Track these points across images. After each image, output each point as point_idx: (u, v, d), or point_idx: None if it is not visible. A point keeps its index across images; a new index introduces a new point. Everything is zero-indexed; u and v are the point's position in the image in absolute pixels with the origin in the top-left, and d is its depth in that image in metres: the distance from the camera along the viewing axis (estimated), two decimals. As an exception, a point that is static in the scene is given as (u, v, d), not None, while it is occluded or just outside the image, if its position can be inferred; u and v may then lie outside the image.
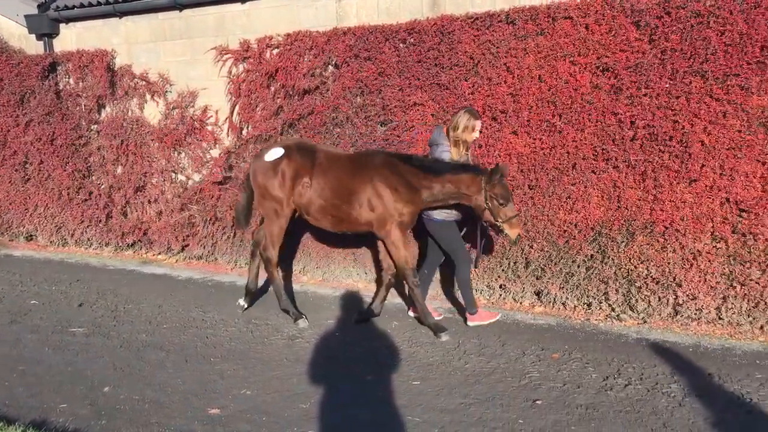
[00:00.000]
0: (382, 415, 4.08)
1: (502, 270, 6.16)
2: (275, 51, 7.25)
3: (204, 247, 7.89)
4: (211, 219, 7.79)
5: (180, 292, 6.93)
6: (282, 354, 5.15)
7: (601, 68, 5.62)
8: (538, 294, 6.06)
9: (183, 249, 8.13)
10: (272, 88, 7.29)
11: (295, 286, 7.03)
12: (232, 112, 7.69)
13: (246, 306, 5.81)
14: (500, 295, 6.24)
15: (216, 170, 7.74)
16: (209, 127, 7.98)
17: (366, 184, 4.81)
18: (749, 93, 5.13)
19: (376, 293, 5.54)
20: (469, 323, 5.39)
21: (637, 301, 5.53)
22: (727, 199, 5.23)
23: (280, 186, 5.04)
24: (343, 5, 7.11)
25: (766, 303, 5.15)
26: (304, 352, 5.17)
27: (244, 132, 7.61)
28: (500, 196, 4.65)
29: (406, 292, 5.71)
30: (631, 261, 5.53)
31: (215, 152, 7.95)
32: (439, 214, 5.06)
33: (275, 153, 5.07)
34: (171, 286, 7.14)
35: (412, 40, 6.36)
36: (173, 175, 8.24)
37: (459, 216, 5.14)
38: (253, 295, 5.83)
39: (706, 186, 5.29)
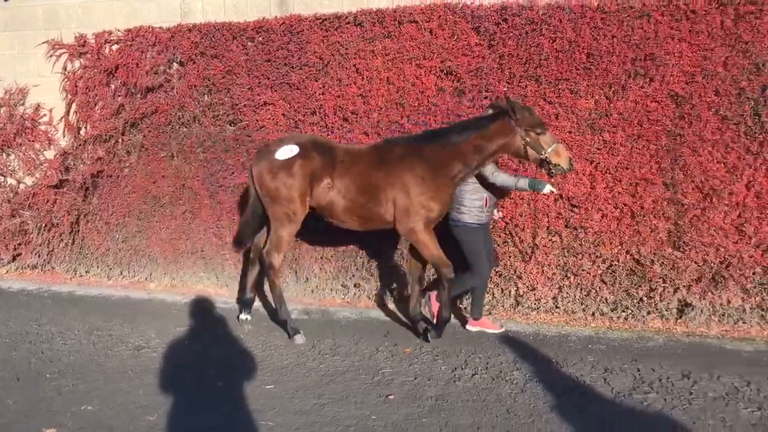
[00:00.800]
0: (234, 421, 4.13)
1: (356, 269, 6.40)
2: (115, 47, 7.01)
3: (39, 256, 7.47)
4: (46, 225, 7.39)
5: (11, 305, 6.53)
6: (127, 365, 5.04)
7: (445, 71, 6.00)
8: (392, 291, 6.36)
9: (14, 258, 7.65)
10: (113, 86, 7.04)
11: (141, 294, 6.86)
12: (68, 111, 7.33)
13: (250, 318, 5.56)
14: (355, 294, 6.47)
15: (51, 173, 7.34)
16: (42, 127, 7.56)
17: (390, 178, 4.61)
18: (578, 96, 5.70)
19: (410, 296, 5.36)
20: (470, 328, 5.46)
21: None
22: (560, 196, 5.78)
23: (295, 188, 4.71)
24: (188, 1, 7.01)
25: (596, 291, 5.76)
26: (152, 362, 5.09)
27: (82, 132, 7.29)
28: (535, 125, 4.48)
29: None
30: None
31: (50, 154, 7.53)
32: (470, 217, 4.93)
33: (287, 151, 4.72)
34: (1, 299, 6.71)
35: (260, 38, 6.42)
36: (1, 178, 7.71)
37: (491, 217, 5.12)
38: (252, 304, 5.57)
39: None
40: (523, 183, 4.77)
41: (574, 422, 3.97)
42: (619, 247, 5.59)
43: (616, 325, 5.66)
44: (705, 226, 5.39)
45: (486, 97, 5.81)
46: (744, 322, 5.49)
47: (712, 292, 5.45)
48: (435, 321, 5.22)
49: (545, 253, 5.77)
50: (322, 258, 6.45)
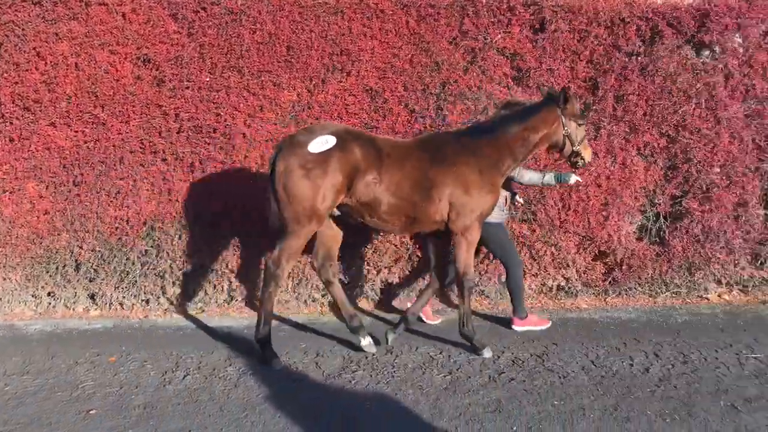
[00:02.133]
0: None
1: (50, 276, 6.07)
2: None
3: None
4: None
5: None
6: None
7: (142, 59, 5.90)
8: (92, 297, 6.15)
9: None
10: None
11: None
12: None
13: (369, 341, 4.98)
14: (49, 303, 6.13)
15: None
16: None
17: (448, 175, 4.35)
18: (281, 88, 6.01)
19: (417, 302, 5.16)
20: (517, 328, 5.39)
21: (194, 291, 6.08)
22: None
23: (329, 186, 4.27)
24: None
25: (307, 279, 6.20)
26: None
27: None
28: (578, 116, 4.54)
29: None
30: (186, 253, 6.03)
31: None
32: (494, 216, 4.88)
33: (323, 142, 4.23)
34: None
35: None
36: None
37: (509, 215, 5.04)
38: (360, 322, 4.94)
39: (251, 175, 6.05)
40: (549, 178, 4.99)
41: (288, 409, 4.19)
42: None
43: (326, 310, 6.16)
44: (400, 211, 6.09)
45: (188, 87, 5.85)
46: (436, 296, 6.35)
47: (408, 271, 6.20)
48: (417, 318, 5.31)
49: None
50: (5, 266, 6.00)
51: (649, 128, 5.97)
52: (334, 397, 4.36)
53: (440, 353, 5.06)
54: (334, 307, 5.82)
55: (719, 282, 6.37)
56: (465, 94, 5.89)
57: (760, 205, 6.18)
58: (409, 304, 5.31)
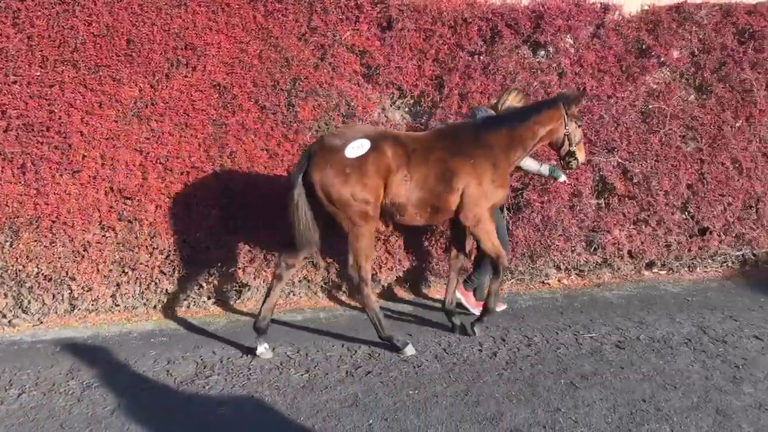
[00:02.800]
0: None
1: None
2: None
3: None
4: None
5: None
6: None
7: (-41, 51, 5.39)
8: None
9: None
10: None
11: None
12: None
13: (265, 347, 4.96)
14: None
15: None
16: None
17: (465, 166, 4.52)
18: (121, 84, 5.71)
19: (447, 288, 5.30)
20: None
21: (29, 302, 5.64)
22: (111, 188, 5.76)
23: (370, 188, 4.37)
24: None
25: (156, 284, 5.95)
26: None
27: None
28: (578, 117, 4.86)
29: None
30: (19, 261, 5.58)
31: None
32: None
33: (359, 146, 4.31)
34: None
35: None
36: None
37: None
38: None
39: (89, 176, 5.69)
40: (545, 169, 5.32)
41: (137, 420, 4.04)
42: (176, 236, 5.86)
43: (180, 315, 5.95)
44: (252, 210, 6.00)
45: (15, 82, 5.41)
46: (294, 295, 6.32)
47: (265, 271, 6.12)
48: (479, 312, 5.35)
49: (99, 250, 5.72)
50: None
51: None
52: (186, 404, 4.23)
53: (297, 352, 5.05)
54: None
55: (558, 268, 6.81)
56: (316, 91, 5.90)
57: (592, 195, 6.65)
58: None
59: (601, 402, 4.25)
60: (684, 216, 6.98)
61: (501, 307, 5.72)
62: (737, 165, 6.98)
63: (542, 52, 6.48)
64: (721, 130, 6.89)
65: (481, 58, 6.28)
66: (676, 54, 6.79)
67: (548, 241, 6.60)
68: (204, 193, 5.81)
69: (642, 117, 6.75)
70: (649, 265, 7.12)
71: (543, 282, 6.77)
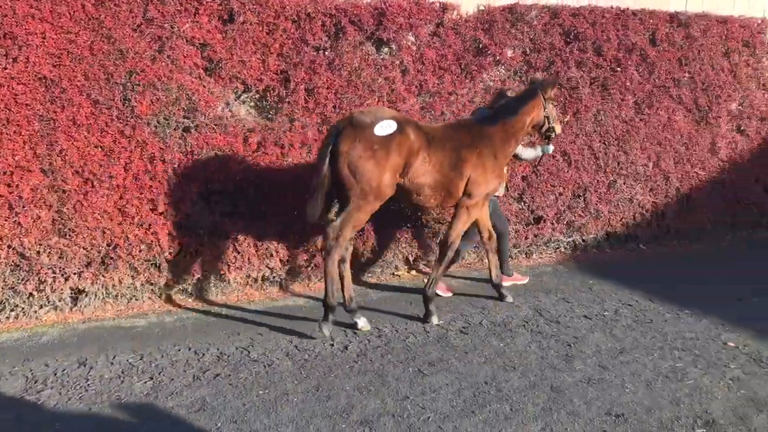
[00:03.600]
0: None
1: None
2: None
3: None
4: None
5: None
6: None
7: None
8: None
9: None
10: None
11: None
12: None
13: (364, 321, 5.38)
14: None
15: None
16: None
17: (473, 156, 5.03)
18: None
19: (489, 267, 5.97)
20: (505, 283, 6.31)
21: None
22: None
23: (390, 165, 4.72)
24: None
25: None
26: None
27: None
28: (552, 98, 5.41)
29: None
30: None
31: None
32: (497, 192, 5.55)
33: (386, 126, 4.67)
34: None
35: None
36: None
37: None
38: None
39: None
40: (539, 150, 6.09)
41: None
42: (0, 241, 5.39)
43: (7, 326, 5.49)
44: (89, 210, 5.64)
45: None
46: (137, 299, 6.02)
47: (103, 275, 5.77)
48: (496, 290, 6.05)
49: None
50: None
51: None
52: (15, 422, 3.90)
53: (141, 359, 4.82)
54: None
55: (407, 260, 6.97)
56: (155, 85, 5.65)
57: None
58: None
59: (447, 387, 4.41)
60: (520, 206, 7.39)
61: (523, 280, 6.74)
62: (567, 157, 7.48)
63: (386, 49, 6.60)
64: (551, 124, 7.34)
65: (326, 53, 6.30)
66: (510, 53, 7.17)
67: (397, 234, 6.74)
68: (31, 195, 5.37)
69: (481, 113, 7.03)
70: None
71: (393, 274, 6.90)
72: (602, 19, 7.48)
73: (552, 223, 7.59)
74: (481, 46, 6.96)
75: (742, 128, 8.71)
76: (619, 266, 7.28)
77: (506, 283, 6.19)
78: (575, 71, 7.40)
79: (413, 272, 7.03)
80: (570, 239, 7.81)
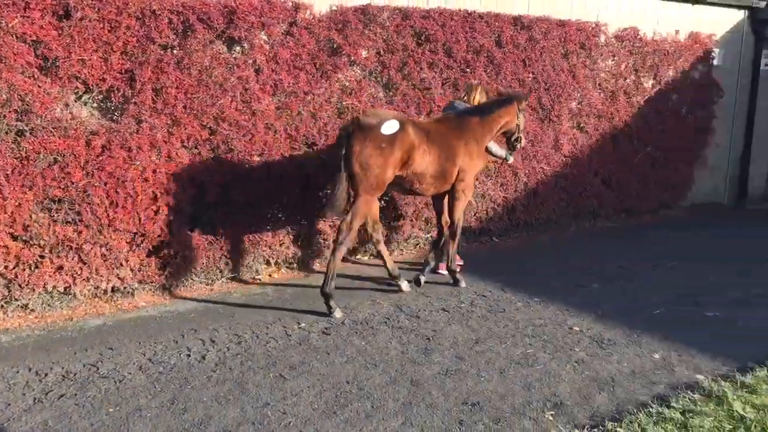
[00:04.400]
0: None
1: None
2: None
3: None
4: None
5: None
6: None
7: None
8: None
9: None
10: None
11: None
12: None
13: (407, 284, 6.33)
14: None
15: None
16: None
17: (462, 146, 5.86)
18: None
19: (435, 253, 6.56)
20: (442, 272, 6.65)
21: None
22: None
23: (392, 159, 5.42)
24: None
25: None
26: None
27: None
28: (523, 110, 6.24)
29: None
30: None
31: None
32: None
33: (391, 126, 5.36)
34: None
35: None
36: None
37: None
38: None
39: None
40: (503, 152, 6.64)
41: None
42: None
43: None
44: None
45: None
46: (-32, 319, 5.47)
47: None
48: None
49: None
50: None
51: (190, 120, 6.06)
52: None
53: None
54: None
55: (269, 262, 6.87)
56: (-20, 85, 5.14)
57: (300, 189, 6.82)
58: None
59: (309, 390, 4.37)
60: (383, 204, 7.47)
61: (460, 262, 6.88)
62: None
63: (238, 48, 6.46)
64: (407, 124, 7.48)
65: (175, 52, 6.06)
66: (364, 53, 7.24)
67: (257, 236, 6.61)
68: None
69: (338, 113, 7.06)
70: (354, 252, 7.51)
71: (254, 278, 6.78)
72: (451, 21, 7.70)
73: (411, 221, 7.74)
74: (335, 46, 6.97)
75: (581, 125, 9.28)
76: (474, 259, 7.54)
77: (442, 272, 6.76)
78: (427, 72, 7.59)
79: (275, 275, 6.90)
80: (428, 235, 7.99)
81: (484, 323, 5.62)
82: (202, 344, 5.15)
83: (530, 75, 8.51)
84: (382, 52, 7.39)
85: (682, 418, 3.95)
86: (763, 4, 11.13)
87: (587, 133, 9.30)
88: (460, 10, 7.88)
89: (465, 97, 6.56)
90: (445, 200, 6.26)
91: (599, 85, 9.35)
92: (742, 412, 4.00)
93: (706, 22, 10.71)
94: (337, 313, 5.67)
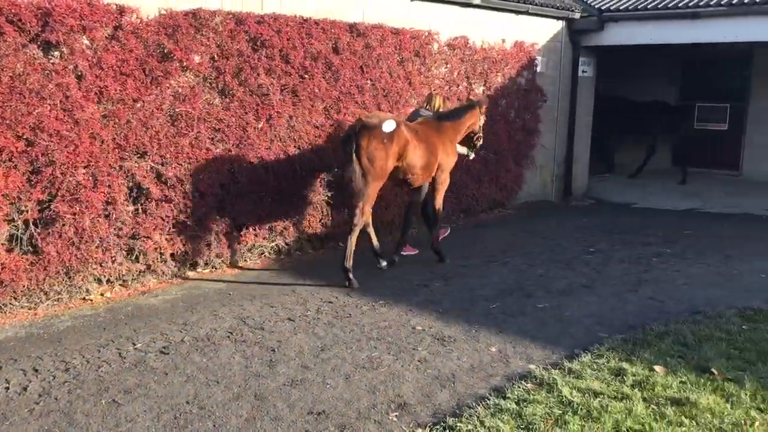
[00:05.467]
0: None
1: None
2: None
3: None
4: None
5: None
6: None
7: None
8: None
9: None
10: None
11: None
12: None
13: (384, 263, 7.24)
14: None
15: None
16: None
17: (440, 144, 7.12)
18: None
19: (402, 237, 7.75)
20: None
21: None
22: None
23: (393, 152, 6.54)
24: None
25: None
26: None
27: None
28: (484, 114, 7.74)
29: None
30: None
31: None
32: None
33: (390, 125, 6.49)
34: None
35: None
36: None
37: None
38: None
39: None
40: (465, 151, 7.91)
41: None
42: None
43: None
44: None
45: None
46: None
47: None
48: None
49: None
50: None
51: (2, 131, 5.54)
52: None
53: None
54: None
55: (100, 281, 6.44)
56: None
57: (128, 201, 6.45)
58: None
59: (145, 414, 4.14)
60: (222, 214, 7.26)
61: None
62: (264, 163, 7.53)
63: (56, 53, 6.00)
64: (246, 131, 7.35)
65: (-17, 56, 5.49)
66: (197, 59, 7.00)
67: (85, 254, 6.17)
68: None
69: (171, 120, 6.77)
70: (193, 266, 7.23)
71: (84, 298, 6.32)
72: (287, 27, 7.65)
73: (255, 230, 7.59)
74: (166, 51, 6.68)
75: (419, 130, 9.52)
76: (320, 266, 7.53)
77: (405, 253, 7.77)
78: (265, 78, 7.48)
79: (108, 294, 6.48)
80: (273, 244, 7.88)
81: (330, 330, 5.61)
82: (24, 374, 4.73)
83: (368, 81, 8.63)
84: (216, 58, 7.18)
85: (517, 408, 4.13)
86: (578, 16, 12.03)
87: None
88: (295, 16, 7.84)
89: (427, 105, 7.75)
90: (421, 193, 7.58)
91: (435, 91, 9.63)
92: (570, 397, 4.25)
93: (529, 32, 11.43)
94: (354, 284, 6.76)
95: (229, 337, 5.47)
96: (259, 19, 7.51)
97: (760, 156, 14.80)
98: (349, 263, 6.60)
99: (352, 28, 8.48)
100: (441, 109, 7.60)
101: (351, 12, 8.85)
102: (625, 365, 4.72)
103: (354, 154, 6.40)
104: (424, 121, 7.25)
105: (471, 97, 9.58)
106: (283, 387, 4.55)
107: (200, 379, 4.67)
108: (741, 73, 15.14)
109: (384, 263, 7.24)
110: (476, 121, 7.51)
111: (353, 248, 6.60)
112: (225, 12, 7.25)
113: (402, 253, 7.63)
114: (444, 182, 7.33)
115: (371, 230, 7.02)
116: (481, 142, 7.87)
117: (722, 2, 10.83)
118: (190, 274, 7.20)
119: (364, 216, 6.60)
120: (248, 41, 7.44)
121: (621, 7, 12.13)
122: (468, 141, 7.79)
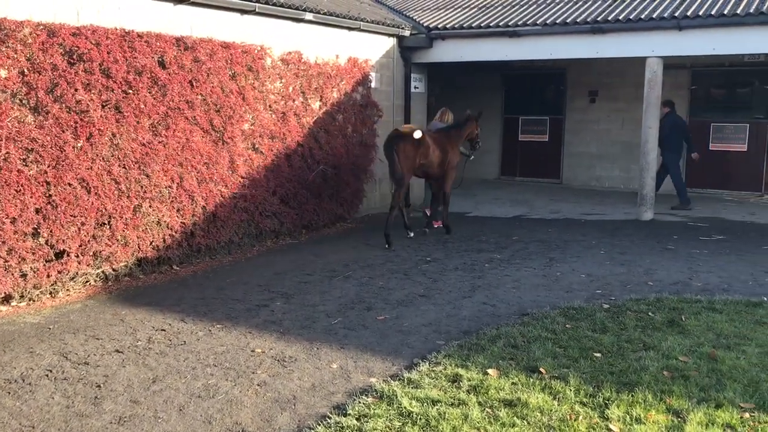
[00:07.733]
0: None
1: None
2: None
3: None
4: None
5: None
6: None
7: None
8: None
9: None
10: None
11: None
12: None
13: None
14: None
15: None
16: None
17: (450, 148, 9.72)
18: None
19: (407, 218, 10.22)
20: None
21: None
22: None
23: (420, 153, 9.15)
24: None
25: None
26: None
27: None
28: (479, 123, 10.07)
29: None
30: None
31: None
32: None
33: (418, 134, 9.08)
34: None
35: None
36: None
37: None
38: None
39: None
40: (468, 151, 10.61)
41: None
42: None
43: None
44: None
45: None
46: None
47: None
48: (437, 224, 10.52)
49: None
50: None
51: None
52: None
53: None
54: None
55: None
56: None
57: None
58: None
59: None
60: (38, 241, 6.67)
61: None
62: (85, 184, 7.03)
63: None
64: (63, 151, 6.84)
65: None
66: (3, 73, 6.39)
67: None
68: None
69: (-28, 140, 6.11)
70: (7, 299, 6.58)
71: None
72: (107, 40, 7.23)
73: (77, 256, 7.05)
74: (-39, 64, 6.02)
75: (256, 146, 9.40)
76: (152, 291, 7.14)
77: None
78: (83, 94, 7.01)
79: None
80: (99, 270, 7.37)
81: (163, 359, 5.31)
82: None
83: (199, 96, 8.35)
84: (26, 72, 6.61)
85: (358, 424, 4.12)
86: (407, 33, 12.43)
87: (263, 154, 9.44)
88: (116, 29, 7.43)
89: (439, 118, 10.66)
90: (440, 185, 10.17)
91: (270, 106, 9.55)
92: (409, 408, 4.30)
93: (363, 48, 11.64)
94: (411, 233, 9.71)
95: (47, 375, 5.02)
96: (75, 31, 7.03)
97: (576, 165, 16.11)
98: (389, 230, 9.19)
99: (179, 42, 8.18)
100: (449, 121, 10.53)
101: (178, 25, 8.52)
102: (461, 371, 4.85)
103: (395, 154, 8.84)
104: (438, 131, 9.97)
105: (318, 113, 10.72)
106: (109, 425, 4.23)
107: (12, 425, 4.23)
108: (557, 87, 16.38)
109: (412, 233, 9.96)
110: (474, 128, 10.04)
111: (392, 220, 9.41)
112: (34, 23, 6.72)
113: (435, 226, 10.45)
114: (451, 172, 9.85)
115: (404, 210, 9.81)
116: (479, 146, 10.66)
117: (538, 22, 11.63)
118: (3, 309, 6.53)
119: (398, 198, 9.27)
120: (63, 54, 6.95)
121: (448, 26, 12.69)
122: (470, 144, 10.35)
